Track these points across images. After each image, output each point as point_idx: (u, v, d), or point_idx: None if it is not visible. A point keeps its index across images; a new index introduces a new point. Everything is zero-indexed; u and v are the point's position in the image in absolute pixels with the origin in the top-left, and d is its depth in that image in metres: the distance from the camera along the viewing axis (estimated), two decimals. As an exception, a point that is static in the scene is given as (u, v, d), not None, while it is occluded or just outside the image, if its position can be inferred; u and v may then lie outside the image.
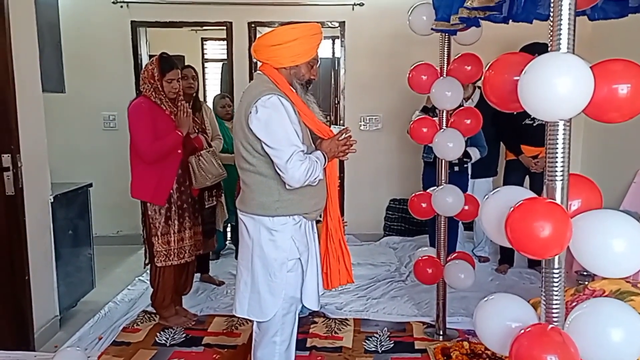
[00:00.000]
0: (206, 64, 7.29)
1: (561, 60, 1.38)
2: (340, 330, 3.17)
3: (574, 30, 1.45)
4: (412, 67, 2.91)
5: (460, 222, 4.03)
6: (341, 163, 5.05)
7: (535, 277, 4.00)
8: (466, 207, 2.99)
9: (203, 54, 7.26)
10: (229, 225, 4.54)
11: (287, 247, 2.08)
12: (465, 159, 3.77)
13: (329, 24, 4.97)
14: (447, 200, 2.92)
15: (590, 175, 4.70)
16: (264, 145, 1.99)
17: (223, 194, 3.65)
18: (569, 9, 1.42)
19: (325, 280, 2.25)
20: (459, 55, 2.81)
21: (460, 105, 2.96)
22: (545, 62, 1.39)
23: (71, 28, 4.48)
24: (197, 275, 3.74)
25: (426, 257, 3.08)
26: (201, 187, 3.28)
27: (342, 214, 5.10)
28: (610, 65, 1.43)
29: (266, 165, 2.04)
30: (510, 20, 2.67)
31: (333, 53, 5.96)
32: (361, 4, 4.85)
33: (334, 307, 3.48)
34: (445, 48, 2.81)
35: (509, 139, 4.10)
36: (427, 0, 2.70)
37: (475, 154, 3.79)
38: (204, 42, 7.23)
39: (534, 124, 3.78)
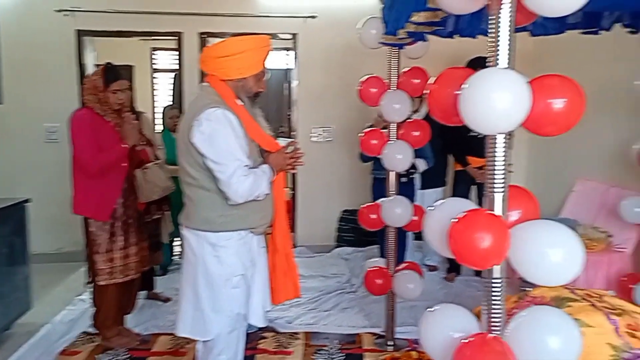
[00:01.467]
0: (156, 74, 7.14)
1: (499, 76, 1.42)
2: (290, 344, 3.14)
3: (513, 47, 1.49)
4: (361, 80, 2.95)
5: (410, 232, 4.09)
6: (293, 175, 5.05)
7: (482, 284, 4.08)
8: (415, 218, 3.03)
9: (152, 64, 7.11)
10: (175, 239, 4.43)
11: (232, 263, 2.04)
12: (411, 170, 3.85)
13: (282, 36, 4.98)
14: (395, 211, 2.96)
15: (534, 185, 4.93)
16: (206, 160, 1.95)
17: (170, 207, 3.56)
18: (508, 25, 1.46)
19: (272, 295, 2.22)
20: (408, 68, 2.86)
21: (408, 118, 3.02)
22: (484, 78, 1.43)
23: (12, 36, 4.30)
24: (143, 293, 3.62)
25: (375, 268, 3.11)
26: (148, 201, 3.19)
27: (294, 227, 5.12)
28: (547, 80, 1.49)
29: (210, 179, 1.99)
30: (457, 35, 2.78)
31: (286, 64, 5.96)
32: (314, 17, 4.87)
33: (284, 321, 3.43)
34: (394, 61, 2.86)
35: (455, 150, 4.20)
36: (377, 14, 2.74)
37: (421, 165, 3.87)
38: (154, 52, 7.09)
39: (480, 136, 3.87)
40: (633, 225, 3.38)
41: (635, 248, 3.62)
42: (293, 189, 5.13)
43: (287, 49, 5.47)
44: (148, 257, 3.21)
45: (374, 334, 3.25)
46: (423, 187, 4.35)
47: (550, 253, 1.47)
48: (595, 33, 2.94)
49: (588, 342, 1.88)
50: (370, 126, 3.81)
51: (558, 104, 1.43)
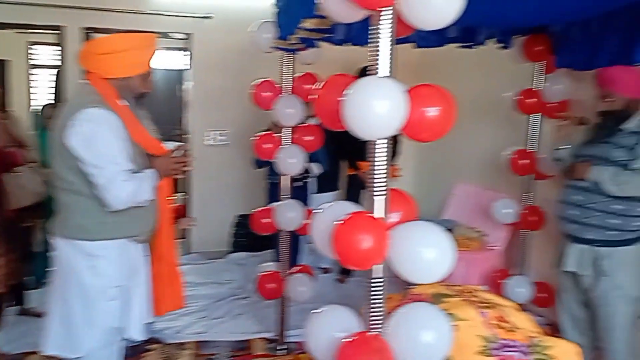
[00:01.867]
0: (35, 70, 6.58)
1: (378, 84, 1.49)
2: (177, 355, 3.03)
3: (394, 57, 1.56)
4: (255, 84, 2.94)
5: (304, 235, 4.14)
6: (186, 180, 4.90)
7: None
8: (308, 222, 3.07)
9: (30, 59, 6.54)
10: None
11: (109, 274, 1.92)
12: (306, 174, 3.91)
13: (176, 36, 4.81)
14: (288, 215, 2.98)
15: (420, 188, 5.19)
16: (82, 163, 1.82)
17: (44, 214, 3.29)
18: (388, 36, 1.53)
19: (155, 306, 2.12)
20: (301, 74, 2.90)
21: (303, 122, 3.06)
22: (364, 85, 1.48)
23: None
24: (15, 308, 3.31)
25: (268, 273, 3.11)
26: (19, 207, 2.92)
27: (187, 233, 4.97)
28: (423, 89, 1.57)
29: (86, 183, 1.86)
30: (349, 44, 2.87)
31: (183, 65, 5.76)
32: (209, 17, 4.77)
33: (172, 332, 3.29)
34: (288, 66, 2.88)
35: (347, 155, 4.33)
36: (272, 18, 2.75)
37: (315, 169, 3.94)
38: (32, 47, 6.53)
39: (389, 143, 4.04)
40: (504, 225, 3.70)
41: (505, 246, 3.98)
42: (187, 193, 4.97)
43: (182, 49, 5.30)
44: (18, 269, 2.94)
45: (266, 339, 3.25)
46: (318, 191, 4.44)
47: (425, 252, 1.57)
48: (471, 47, 3.19)
49: (461, 334, 2.03)
50: (267, 130, 3.82)
51: (432, 111, 1.52)
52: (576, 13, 2.79)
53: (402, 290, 2.74)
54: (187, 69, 4.99)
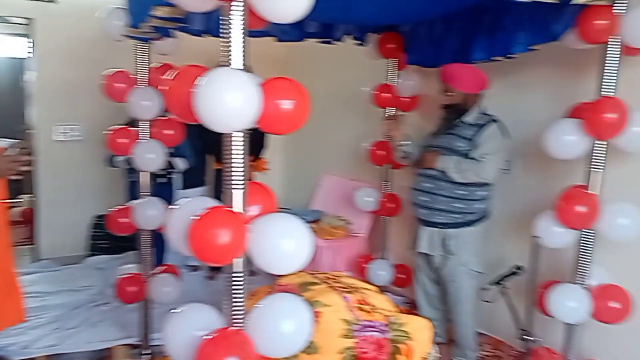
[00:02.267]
0: None
1: (231, 76, 1.46)
2: (25, 372, 2.74)
3: (246, 48, 1.54)
4: (106, 74, 2.74)
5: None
6: (33, 179, 4.44)
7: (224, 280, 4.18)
8: (171, 219, 2.95)
9: None
10: None
11: None
12: (170, 170, 3.76)
13: (14, 20, 4.30)
14: (148, 213, 2.82)
15: (290, 180, 5.23)
16: None
17: None
18: (240, 28, 1.51)
19: (-7, 321, 1.89)
20: (158, 65, 2.76)
21: (163, 115, 2.92)
22: (216, 77, 1.45)
23: None
24: None
25: (128, 275, 2.93)
26: None
27: (35, 238, 4.51)
28: (277, 83, 1.58)
29: None
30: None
31: (21, 53, 5.17)
32: (53, 1, 4.33)
33: (18, 347, 2.96)
34: (142, 56, 2.72)
35: (213, 149, 4.23)
36: (122, 4, 2.57)
37: (180, 164, 3.80)
38: None
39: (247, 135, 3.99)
40: (366, 212, 3.90)
41: (368, 232, 4.19)
42: (33, 195, 4.50)
43: (24, 36, 4.75)
44: None
45: (129, 345, 3.07)
46: (185, 187, 4.29)
47: (283, 243, 1.58)
48: (330, 43, 3.29)
49: (326, 319, 2.10)
50: (126, 124, 3.59)
51: (286, 104, 1.53)
52: (421, 14, 3.02)
53: (271, 282, 2.76)
54: (30, 58, 4.49)
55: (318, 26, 3.15)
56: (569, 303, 2.27)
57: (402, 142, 3.13)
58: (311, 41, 3.28)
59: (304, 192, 5.07)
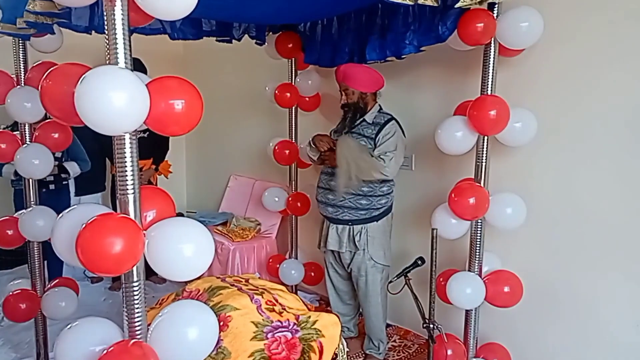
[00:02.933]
0: None
1: (115, 75, 1.38)
2: None
3: (130, 46, 1.47)
4: (-21, 74, 2.49)
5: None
6: None
7: (150, 287, 4.04)
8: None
9: None
10: None
11: None
12: (63, 175, 3.52)
13: None
14: (37, 223, 2.61)
15: (196, 183, 5.08)
16: None
17: None
18: (122, 25, 1.43)
19: None
20: (37, 62, 2.55)
21: (47, 118, 2.71)
22: (99, 76, 1.36)
23: None
24: None
25: (18, 291, 2.70)
26: None
27: None
28: (166, 82, 1.51)
29: None
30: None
31: None
32: None
33: None
34: (21, 54, 2.52)
35: (108, 151, 4.00)
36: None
37: (74, 168, 3.57)
38: None
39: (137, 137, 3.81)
40: (275, 212, 3.88)
41: (278, 232, 4.19)
42: None
43: None
44: None
45: (24, 367, 2.83)
46: (80, 193, 4.03)
47: (184, 249, 1.52)
48: (229, 42, 3.23)
49: (235, 323, 2.06)
50: (7, 128, 3.30)
51: (177, 104, 1.47)
52: (315, 14, 3.06)
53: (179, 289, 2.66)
54: None
55: (215, 24, 3.08)
56: (465, 290, 2.40)
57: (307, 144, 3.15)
58: (211, 40, 3.20)
59: (212, 194, 4.97)
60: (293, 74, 3.46)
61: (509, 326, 2.72)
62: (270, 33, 3.34)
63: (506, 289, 2.42)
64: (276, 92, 3.41)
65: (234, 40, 3.25)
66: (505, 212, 2.39)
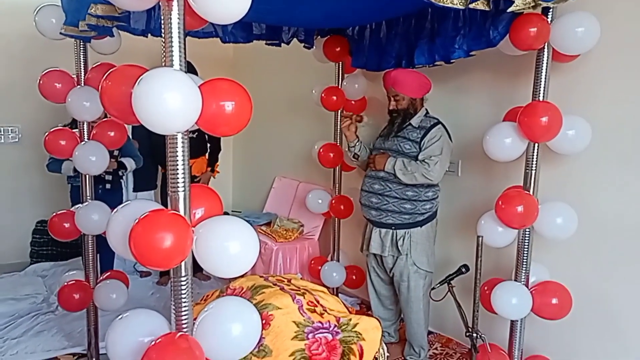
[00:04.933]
0: None
1: (170, 77, 1.43)
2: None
3: (185, 49, 1.52)
4: (43, 74, 2.64)
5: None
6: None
7: (195, 283, 4.13)
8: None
9: None
10: None
11: None
12: (120, 171, 3.67)
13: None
14: (92, 217, 2.73)
15: (242, 184, 5.17)
16: None
17: None
18: (178, 29, 1.48)
19: None
20: (96, 64, 2.67)
21: (105, 116, 2.84)
22: (156, 77, 1.41)
23: None
24: None
25: (72, 282, 2.83)
26: None
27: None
28: (217, 84, 1.56)
29: None
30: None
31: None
32: (-14, -2, 4.15)
33: (-47, 361, 2.84)
34: (81, 55, 2.64)
35: (159, 152, 4.13)
36: (56, 1, 2.49)
37: (130, 164, 3.72)
38: None
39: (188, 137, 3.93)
40: (318, 214, 3.91)
41: (320, 234, 4.21)
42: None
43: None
44: None
45: (75, 354, 2.97)
46: (136, 190, 4.21)
47: (230, 246, 1.57)
48: (278, 45, 3.29)
49: (277, 322, 2.10)
50: (66, 125, 3.47)
51: (227, 106, 1.52)
52: (364, 19, 3.07)
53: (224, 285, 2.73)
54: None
55: (264, 28, 3.14)
56: (511, 300, 2.35)
57: (351, 145, 3.17)
58: (260, 43, 3.27)
59: (257, 194, 5.05)
60: (340, 78, 3.47)
61: (556, 339, 2.64)
62: (319, 37, 3.37)
63: (554, 301, 2.35)
64: (323, 95, 3.43)
65: (282, 44, 3.30)
66: (555, 221, 2.32)
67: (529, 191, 2.31)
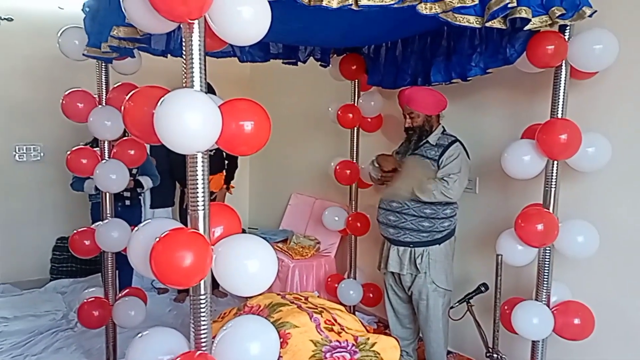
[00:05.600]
0: None
1: (191, 97, 1.46)
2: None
3: (206, 70, 1.55)
4: (65, 94, 2.71)
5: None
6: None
7: (212, 300, 4.14)
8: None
9: None
10: None
11: None
12: (138, 189, 3.72)
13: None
14: (112, 235, 2.77)
15: (258, 201, 5.18)
16: None
17: None
18: (199, 50, 1.51)
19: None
20: (118, 84, 2.73)
21: (125, 135, 2.89)
22: (177, 98, 1.44)
23: None
24: None
25: (92, 299, 2.85)
26: None
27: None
28: (237, 104, 1.58)
29: None
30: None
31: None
32: (10, 19, 4.27)
33: (-25, 377, 2.87)
34: (103, 76, 2.70)
35: (177, 170, 4.18)
36: (79, 23, 2.56)
37: (147, 183, 3.77)
38: None
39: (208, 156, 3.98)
40: (334, 232, 3.90)
41: (337, 252, 4.20)
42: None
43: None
44: None
45: (94, 372, 2.98)
46: (153, 207, 4.26)
47: (249, 265, 1.57)
48: (295, 64, 3.33)
49: (295, 341, 2.08)
50: (87, 144, 3.54)
51: (247, 125, 1.54)
52: (380, 37, 3.09)
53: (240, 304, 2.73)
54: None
55: (281, 47, 3.18)
56: (532, 320, 2.31)
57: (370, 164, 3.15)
58: (277, 62, 3.31)
59: (273, 211, 5.06)
60: (356, 95, 3.50)
61: (579, 359, 2.58)
62: (335, 55, 3.40)
63: (576, 321, 2.31)
64: (339, 112, 3.45)
65: (299, 63, 3.33)
66: (576, 240, 2.28)
67: (548, 209, 2.28)
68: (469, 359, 3.22)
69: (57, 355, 3.22)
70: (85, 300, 2.86)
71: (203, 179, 1.57)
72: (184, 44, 1.51)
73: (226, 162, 4.24)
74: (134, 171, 3.62)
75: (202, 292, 1.60)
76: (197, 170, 1.56)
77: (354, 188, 3.63)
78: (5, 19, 4.26)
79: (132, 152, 2.82)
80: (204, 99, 1.46)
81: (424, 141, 2.88)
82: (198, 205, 1.57)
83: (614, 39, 2.13)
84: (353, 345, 2.15)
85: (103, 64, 2.66)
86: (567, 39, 2.15)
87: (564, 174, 2.34)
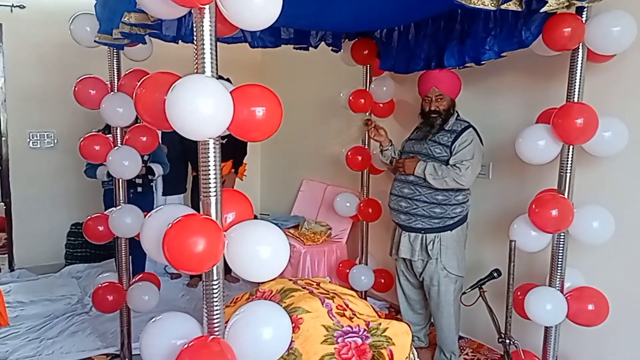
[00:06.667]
0: None
1: (202, 83, 1.45)
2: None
3: (217, 55, 1.54)
4: (77, 81, 2.71)
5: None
6: (6, 185, 4.37)
7: (225, 286, 4.18)
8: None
9: None
10: None
11: None
12: (150, 176, 3.74)
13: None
14: (125, 221, 2.79)
15: (270, 187, 5.21)
16: None
17: None
18: (210, 36, 1.50)
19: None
20: (129, 70, 2.73)
21: (136, 122, 2.89)
22: (188, 84, 1.43)
23: None
24: None
25: (106, 284, 2.89)
26: None
27: (10, 246, 4.43)
28: (248, 90, 1.57)
29: None
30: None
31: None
32: (22, 7, 4.28)
33: (-4, 358, 2.93)
34: (115, 62, 2.70)
35: (189, 156, 4.20)
36: (90, 10, 2.55)
37: (158, 170, 3.79)
38: None
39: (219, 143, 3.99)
40: (346, 217, 3.90)
41: (348, 237, 4.20)
42: (7, 202, 4.42)
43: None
44: None
45: (109, 355, 3.03)
46: (165, 194, 4.28)
47: (261, 250, 1.58)
48: (306, 49, 3.30)
49: (307, 326, 2.09)
50: (99, 131, 3.55)
51: (258, 111, 1.53)
52: (392, 21, 3.04)
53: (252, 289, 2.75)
54: (-1, 65, 4.43)
55: (293, 32, 3.15)
56: (545, 306, 2.30)
57: (382, 148, 3.13)
58: (288, 47, 3.28)
59: (285, 197, 5.07)
60: (368, 81, 3.46)
61: (592, 346, 2.57)
62: (347, 40, 3.36)
63: (590, 307, 2.29)
64: (350, 98, 3.43)
65: (310, 48, 3.30)
66: (591, 225, 2.26)
67: (563, 194, 2.26)
68: (481, 344, 3.22)
69: (72, 338, 3.27)
70: (99, 285, 2.90)
71: (215, 165, 1.57)
72: (194, 29, 1.50)
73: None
74: (145, 158, 3.63)
75: (215, 277, 1.61)
76: (209, 157, 1.56)
77: (366, 174, 3.61)
78: (17, 6, 4.26)
79: (144, 138, 2.82)
80: (215, 85, 1.45)
81: (441, 127, 2.84)
82: (210, 191, 1.57)
83: (632, 21, 2.09)
84: (365, 330, 2.16)
85: (115, 51, 2.65)
86: (584, 21, 2.10)
87: (579, 159, 2.30)
